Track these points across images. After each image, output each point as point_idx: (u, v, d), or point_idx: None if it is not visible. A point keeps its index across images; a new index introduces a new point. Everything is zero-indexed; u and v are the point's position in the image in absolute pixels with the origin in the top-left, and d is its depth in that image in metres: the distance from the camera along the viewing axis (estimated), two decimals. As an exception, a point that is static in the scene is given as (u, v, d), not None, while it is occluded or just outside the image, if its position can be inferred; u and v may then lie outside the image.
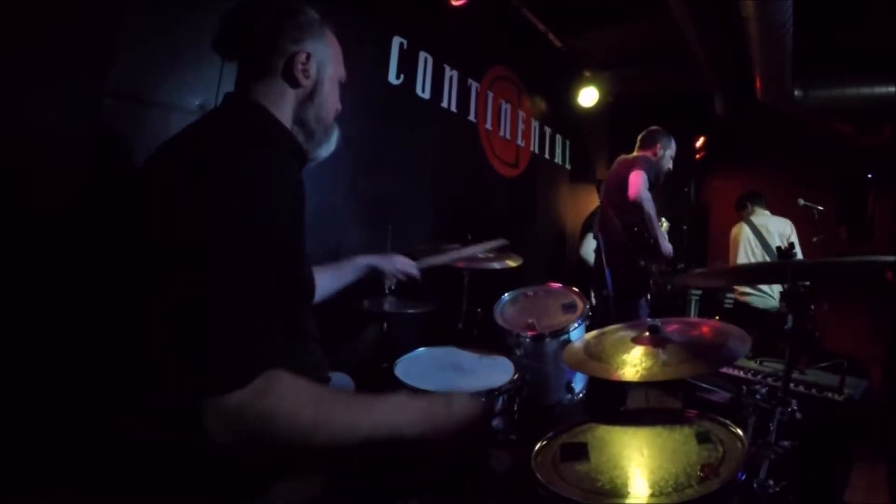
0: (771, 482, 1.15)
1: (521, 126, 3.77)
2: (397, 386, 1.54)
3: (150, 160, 0.95)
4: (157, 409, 0.80)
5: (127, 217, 0.88)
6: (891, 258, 1.34)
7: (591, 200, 4.75)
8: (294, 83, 1.00)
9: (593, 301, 2.20)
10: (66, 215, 1.28)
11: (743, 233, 3.70)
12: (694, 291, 4.17)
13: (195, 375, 0.70)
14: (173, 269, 0.76)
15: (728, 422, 1.12)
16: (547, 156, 4.16)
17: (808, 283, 1.68)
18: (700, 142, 4.92)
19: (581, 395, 1.98)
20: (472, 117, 3.21)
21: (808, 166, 4.63)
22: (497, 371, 1.69)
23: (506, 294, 2.23)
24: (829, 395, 1.79)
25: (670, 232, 2.95)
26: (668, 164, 2.95)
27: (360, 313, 1.91)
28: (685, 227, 4.57)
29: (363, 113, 2.34)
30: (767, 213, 3.74)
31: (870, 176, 4.44)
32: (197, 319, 0.73)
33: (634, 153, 3.00)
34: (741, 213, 3.83)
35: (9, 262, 1.18)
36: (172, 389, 0.72)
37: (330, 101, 1.08)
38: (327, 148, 1.11)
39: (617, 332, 1.46)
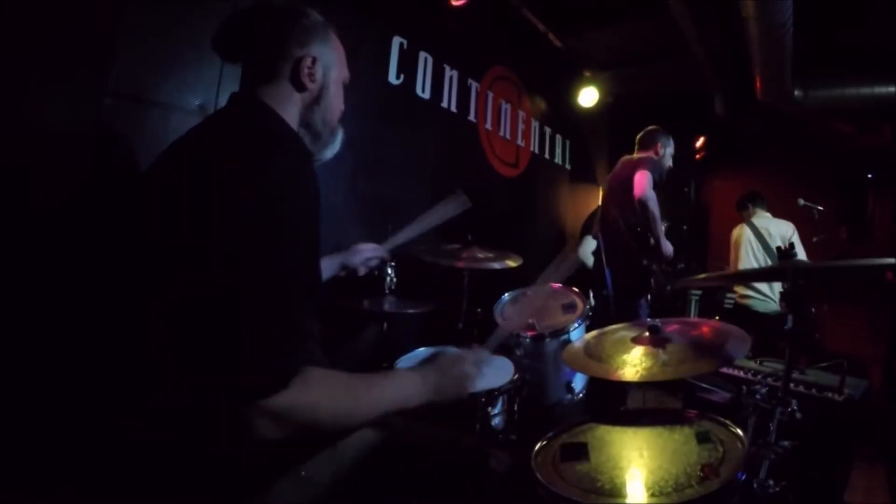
0: (771, 482, 1.15)
1: (521, 126, 3.77)
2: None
3: (161, 162, 0.94)
4: (157, 409, 0.80)
5: (143, 219, 0.88)
6: (891, 259, 1.34)
7: (591, 200, 4.75)
8: (300, 87, 1.01)
9: (592, 302, 2.20)
10: (66, 215, 1.28)
11: (744, 234, 3.69)
12: (694, 292, 4.17)
13: (241, 380, 0.72)
14: (204, 272, 0.76)
15: (728, 422, 1.12)
16: (547, 156, 4.16)
17: (809, 282, 1.68)
18: (700, 142, 4.92)
19: (581, 395, 1.98)
20: (472, 117, 3.21)
21: (808, 166, 4.63)
22: (497, 371, 1.69)
23: (506, 294, 2.23)
24: (829, 395, 1.79)
25: (670, 232, 2.96)
26: (669, 163, 2.98)
27: (360, 313, 1.91)
28: (685, 227, 4.57)
29: (363, 113, 2.34)
30: (769, 215, 3.73)
31: (870, 176, 4.44)
32: (237, 323, 0.74)
33: (635, 154, 3.00)
34: (742, 213, 3.82)
35: (9, 262, 1.18)
36: (210, 392, 0.74)
37: (335, 103, 1.09)
38: (332, 149, 1.12)
39: (617, 332, 1.46)
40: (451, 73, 3.00)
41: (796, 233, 3.54)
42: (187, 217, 0.80)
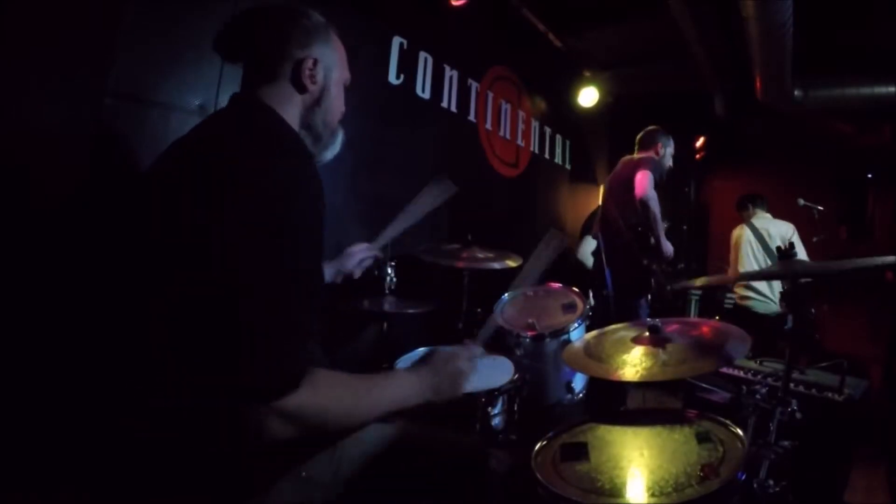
0: (771, 482, 1.15)
1: (521, 126, 3.77)
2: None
3: (162, 162, 0.94)
4: (157, 408, 0.80)
5: (143, 219, 0.88)
6: (891, 259, 1.34)
7: (591, 200, 4.75)
8: (302, 89, 1.01)
9: (592, 301, 2.21)
10: (66, 215, 1.28)
11: (744, 235, 3.68)
12: (694, 291, 4.17)
13: (251, 381, 0.73)
14: (204, 273, 0.76)
15: (728, 422, 1.12)
16: (547, 156, 4.16)
17: (809, 282, 1.68)
18: (700, 142, 4.92)
19: (581, 395, 1.98)
20: (472, 117, 3.21)
21: (808, 166, 4.63)
22: (497, 371, 1.69)
23: (506, 294, 2.23)
24: (829, 395, 1.79)
25: (670, 232, 2.96)
26: (669, 163, 2.99)
27: (360, 313, 1.91)
28: (685, 227, 4.57)
29: (363, 113, 2.34)
30: (769, 216, 3.73)
31: (870, 176, 4.44)
32: (243, 324, 0.74)
33: (635, 154, 3.01)
34: (742, 214, 3.82)
35: (9, 262, 1.18)
36: (214, 392, 0.75)
37: (336, 105, 1.09)
38: (332, 150, 1.12)
39: (617, 332, 1.46)
40: (451, 73, 3.00)
41: (796, 233, 3.54)
42: (187, 217, 0.80)
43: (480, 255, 2.20)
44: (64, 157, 1.32)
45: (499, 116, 3.49)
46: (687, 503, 0.90)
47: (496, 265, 2.21)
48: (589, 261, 3.85)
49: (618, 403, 2.17)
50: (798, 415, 1.25)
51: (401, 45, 2.62)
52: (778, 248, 1.29)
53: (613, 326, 1.51)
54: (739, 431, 1.07)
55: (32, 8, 1.24)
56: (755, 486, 1.14)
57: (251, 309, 0.75)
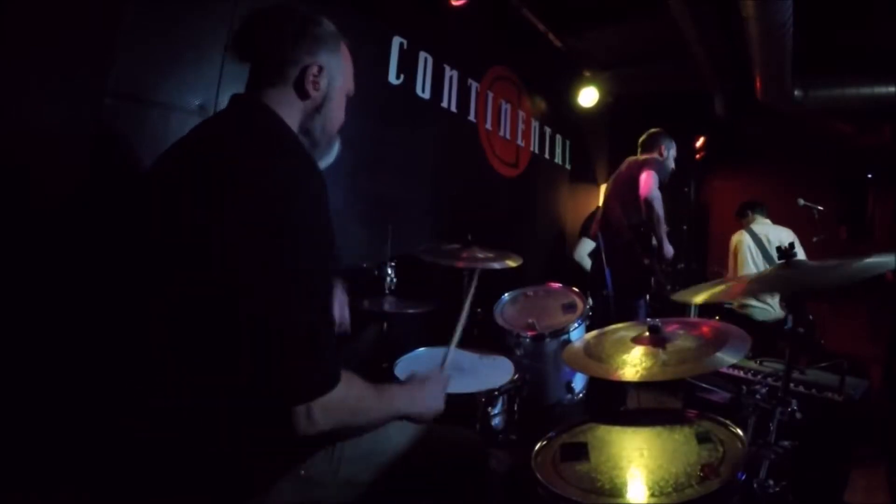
0: (771, 482, 1.14)
1: (521, 126, 3.76)
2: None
3: (162, 162, 0.94)
4: (157, 409, 0.80)
5: (143, 219, 0.88)
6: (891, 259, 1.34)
7: (591, 200, 4.75)
8: (304, 95, 1.01)
9: (590, 302, 2.22)
10: (66, 215, 1.28)
11: (744, 241, 3.68)
12: (694, 292, 4.16)
13: (302, 380, 0.78)
14: (214, 273, 0.77)
15: (728, 422, 1.12)
16: (547, 156, 4.16)
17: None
18: (700, 142, 4.92)
19: (581, 395, 1.98)
20: (472, 117, 3.21)
21: (808, 166, 4.63)
22: (497, 371, 1.69)
23: (506, 294, 2.23)
24: (829, 395, 1.79)
25: (670, 233, 2.97)
26: (672, 165, 3.02)
27: (360, 313, 1.91)
28: (685, 227, 4.57)
29: (363, 113, 2.34)
30: (768, 221, 3.72)
31: (870, 176, 4.44)
32: (294, 324, 0.77)
33: (639, 156, 3.02)
34: (742, 220, 3.82)
35: (9, 262, 1.18)
36: (219, 392, 0.79)
37: (336, 113, 1.09)
38: (328, 159, 1.13)
39: (617, 332, 1.46)
40: (451, 73, 3.00)
41: (796, 239, 3.54)
42: (187, 217, 0.80)
43: (480, 255, 2.20)
44: (64, 157, 1.32)
45: (499, 116, 3.49)
46: (687, 503, 0.90)
47: (496, 265, 2.20)
48: (585, 262, 3.86)
49: (618, 403, 2.17)
50: (798, 415, 1.25)
51: (401, 45, 2.62)
52: (778, 247, 1.29)
53: (613, 326, 1.51)
54: (739, 431, 1.08)
55: (32, 8, 1.24)
56: (755, 486, 1.13)
57: (251, 309, 0.75)
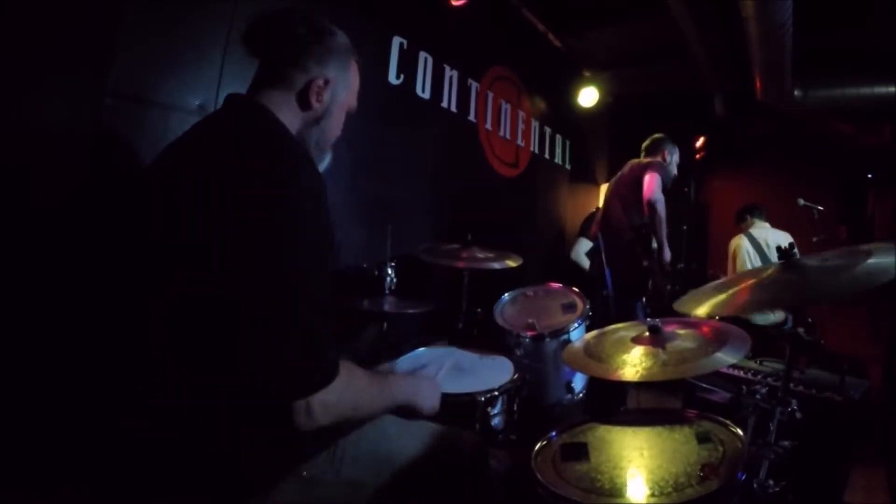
0: (771, 482, 1.15)
1: (521, 126, 3.76)
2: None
3: (160, 162, 0.94)
4: (157, 409, 0.80)
5: (143, 219, 0.88)
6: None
7: (591, 200, 4.75)
8: (306, 105, 1.01)
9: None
10: (66, 215, 1.28)
11: (742, 245, 3.68)
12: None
13: (302, 378, 0.78)
14: (214, 273, 0.77)
15: (728, 422, 1.12)
16: (547, 156, 4.16)
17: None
18: (700, 142, 4.92)
19: (581, 395, 1.98)
20: (472, 117, 3.21)
21: (808, 166, 4.63)
22: (497, 371, 1.69)
23: (506, 294, 2.23)
24: (829, 395, 1.79)
25: (669, 233, 2.98)
26: (675, 170, 3.07)
27: (360, 313, 1.91)
28: (685, 228, 4.57)
29: (363, 113, 2.31)
30: (767, 225, 3.72)
31: (870, 176, 4.44)
32: (294, 323, 0.78)
33: (642, 159, 3.03)
34: (741, 225, 3.82)
35: (9, 263, 1.18)
36: (220, 392, 0.79)
37: (334, 128, 1.09)
38: (318, 168, 1.12)
39: (617, 332, 1.46)
40: (451, 73, 3.00)
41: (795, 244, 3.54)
42: (187, 217, 0.80)
43: (480, 255, 2.20)
44: (64, 157, 1.32)
45: (499, 116, 3.49)
46: (687, 503, 0.90)
47: (496, 265, 2.21)
48: (583, 261, 3.86)
49: (618, 403, 2.17)
50: (798, 415, 1.25)
51: (401, 45, 2.62)
52: (778, 247, 1.29)
53: (613, 326, 1.51)
54: (739, 431, 1.07)
55: (32, 8, 1.24)
56: (755, 486, 1.13)
57: (251, 309, 0.75)
